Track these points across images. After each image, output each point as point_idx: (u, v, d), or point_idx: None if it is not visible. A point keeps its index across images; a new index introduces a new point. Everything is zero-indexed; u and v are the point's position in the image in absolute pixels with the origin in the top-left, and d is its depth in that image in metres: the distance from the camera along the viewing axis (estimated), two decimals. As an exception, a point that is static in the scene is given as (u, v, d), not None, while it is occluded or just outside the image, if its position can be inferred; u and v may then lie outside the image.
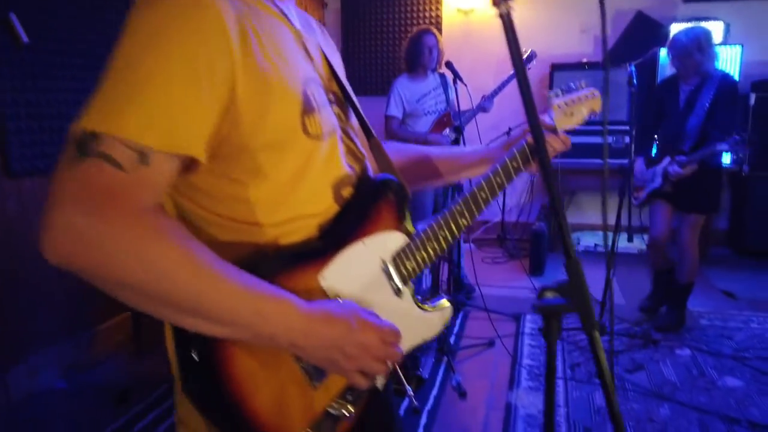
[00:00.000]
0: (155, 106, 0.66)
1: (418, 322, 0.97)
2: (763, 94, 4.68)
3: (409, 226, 0.95)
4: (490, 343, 3.24)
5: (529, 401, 2.67)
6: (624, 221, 4.31)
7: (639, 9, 5.20)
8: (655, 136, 3.47)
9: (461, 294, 3.88)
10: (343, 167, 0.89)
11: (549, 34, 5.42)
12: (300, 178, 0.81)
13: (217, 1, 0.70)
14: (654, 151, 3.47)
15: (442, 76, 3.94)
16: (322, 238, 0.85)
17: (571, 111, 1.12)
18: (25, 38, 2.44)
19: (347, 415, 0.85)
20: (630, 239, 3.83)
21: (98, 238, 0.63)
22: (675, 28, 4.84)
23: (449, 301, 1.02)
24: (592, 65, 5.06)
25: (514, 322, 3.59)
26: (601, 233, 5.47)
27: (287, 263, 0.81)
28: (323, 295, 0.83)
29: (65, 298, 2.86)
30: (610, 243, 2.92)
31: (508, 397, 2.70)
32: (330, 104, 0.90)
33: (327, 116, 0.86)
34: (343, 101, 0.96)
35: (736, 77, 4.63)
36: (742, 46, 4.80)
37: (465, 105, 3.74)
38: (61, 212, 0.62)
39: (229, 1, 0.73)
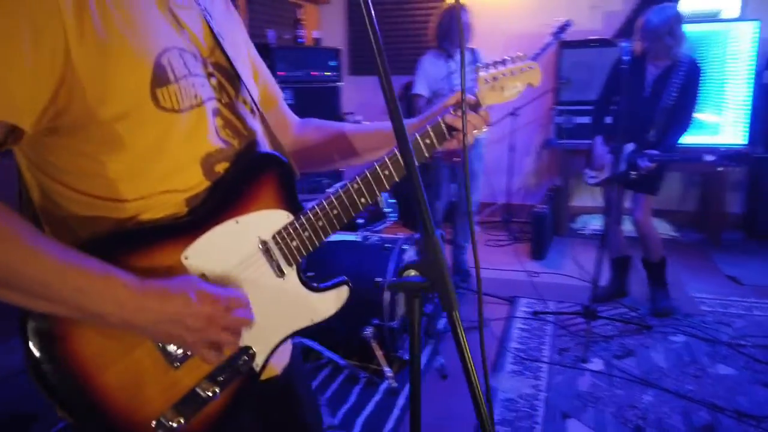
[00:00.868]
0: None
1: (305, 303, 0.94)
2: (780, 73, 4.48)
3: (295, 205, 0.91)
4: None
5: (510, 385, 2.64)
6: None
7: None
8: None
9: (457, 277, 3.83)
10: (214, 142, 0.84)
11: (557, 10, 5.24)
12: (158, 151, 0.78)
13: None
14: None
15: (473, 51, 3.76)
16: (189, 215, 0.82)
17: (501, 85, 1.05)
18: None
19: (212, 396, 0.82)
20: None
21: None
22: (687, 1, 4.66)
23: (346, 282, 0.98)
24: (601, 42, 4.90)
25: (508, 305, 3.53)
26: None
27: (147, 240, 0.78)
28: (185, 273, 0.81)
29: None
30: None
31: (490, 381, 2.66)
32: (207, 76, 0.86)
33: (189, 88, 0.81)
34: (231, 73, 0.91)
35: (754, 54, 4.44)
36: (761, 21, 4.59)
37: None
38: None
39: None
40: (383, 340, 2.59)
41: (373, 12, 0.73)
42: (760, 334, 3.06)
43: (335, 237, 2.84)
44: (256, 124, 0.94)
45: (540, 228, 4.44)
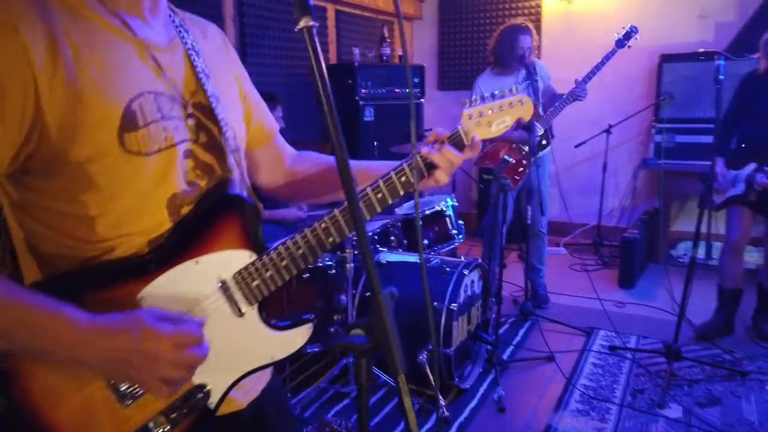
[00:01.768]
0: None
1: (265, 341, 0.94)
2: None
3: (259, 244, 0.91)
4: (549, 358, 3.03)
5: (572, 425, 2.46)
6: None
7: (775, -11, 4.54)
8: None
9: (531, 302, 3.66)
10: (181, 184, 0.86)
11: (660, 19, 4.91)
12: (125, 193, 0.80)
13: (17, 16, 0.71)
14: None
15: (533, 66, 3.67)
16: (150, 255, 0.83)
17: (488, 120, 1.02)
18: None
19: None
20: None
21: None
22: (814, 11, 4.17)
23: (310, 320, 0.97)
24: (709, 55, 4.50)
25: (584, 337, 3.32)
26: (711, 243, 4.88)
27: (106, 278, 0.81)
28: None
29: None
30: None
31: (550, 419, 2.51)
32: (184, 117, 0.88)
33: (159, 132, 0.83)
34: (211, 114, 0.92)
35: None
36: None
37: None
38: None
39: (41, 15, 0.73)
40: (439, 367, 2.53)
41: (318, 48, 0.71)
42: None
43: (395, 257, 2.83)
44: (234, 163, 0.95)
45: (629, 254, 4.14)
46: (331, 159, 1.14)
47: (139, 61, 0.84)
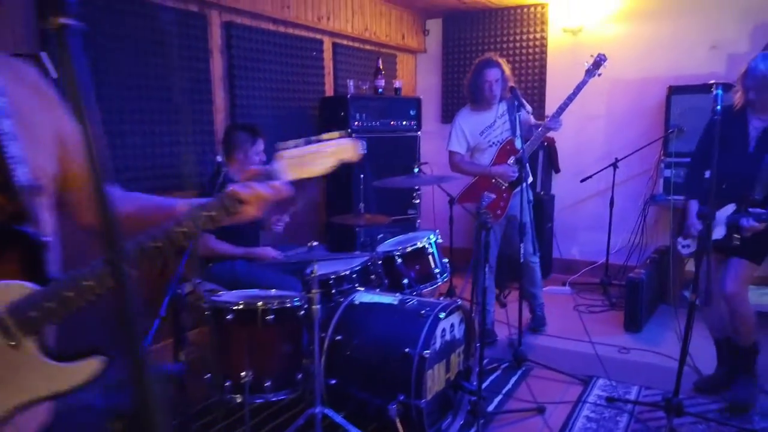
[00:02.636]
0: None
1: (43, 373, 0.93)
2: None
3: (42, 276, 0.92)
4: (540, 410, 2.80)
5: (556, 490, 2.23)
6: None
7: (786, 20, 4.35)
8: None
9: (530, 325, 3.74)
10: None
11: (670, 50, 4.75)
12: None
13: None
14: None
15: (510, 99, 3.58)
16: None
17: (304, 162, 1.06)
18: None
19: None
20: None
21: None
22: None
23: (103, 352, 0.95)
24: (721, 87, 4.30)
25: (581, 386, 3.08)
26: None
27: None
28: None
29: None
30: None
31: (533, 481, 2.28)
32: None
33: None
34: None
35: None
36: None
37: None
38: None
39: None
40: (409, 420, 2.32)
41: (78, 52, 0.61)
42: None
43: (370, 298, 2.66)
44: (29, 200, 0.93)
45: (635, 295, 3.90)
46: (140, 199, 1.16)
47: None
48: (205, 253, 2.93)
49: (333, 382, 2.45)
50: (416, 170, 3.33)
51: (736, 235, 2.57)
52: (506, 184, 3.57)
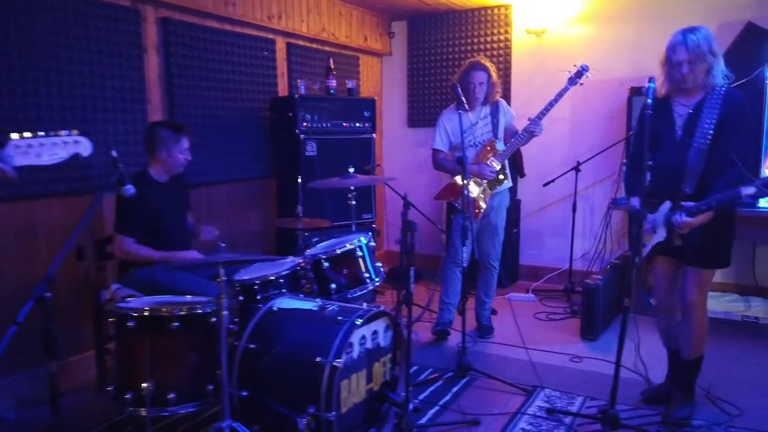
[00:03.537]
0: None
1: None
2: None
3: None
4: (474, 422, 2.65)
5: None
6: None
7: (749, 20, 4.25)
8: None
9: (475, 333, 3.72)
10: None
11: (633, 52, 4.65)
12: None
13: None
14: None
15: (494, 104, 3.63)
16: None
17: (36, 152, 1.18)
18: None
19: None
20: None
21: None
22: (790, 40, 3.86)
23: None
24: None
25: (524, 396, 2.93)
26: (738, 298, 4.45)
27: None
28: None
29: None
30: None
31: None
32: None
33: None
34: None
35: None
36: None
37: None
38: None
39: None
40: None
41: None
42: None
43: (290, 304, 2.51)
44: None
45: (591, 302, 3.76)
46: None
47: None
48: (123, 257, 2.79)
49: (245, 393, 2.30)
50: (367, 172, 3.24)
51: (676, 235, 2.43)
52: (485, 183, 3.58)
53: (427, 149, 3.84)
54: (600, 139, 4.73)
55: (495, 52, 5.21)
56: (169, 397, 2.20)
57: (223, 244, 2.22)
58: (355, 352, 2.28)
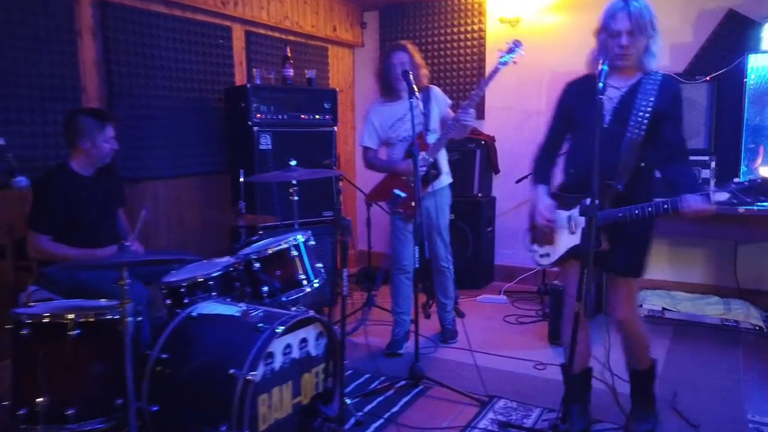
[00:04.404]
0: None
1: None
2: None
3: None
4: (419, 437, 2.44)
5: None
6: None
7: (730, 7, 4.03)
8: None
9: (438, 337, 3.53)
10: None
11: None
12: None
13: None
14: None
15: (425, 92, 3.27)
16: None
17: None
18: None
19: None
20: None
21: None
22: (772, 27, 3.65)
23: None
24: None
25: (477, 408, 2.71)
26: (675, 293, 4.26)
27: None
28: None
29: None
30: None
31: None
32: None
33: None
34: None
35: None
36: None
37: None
38: None
39: None
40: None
41: None
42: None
43: (212, 309, 2.29)
44: None
45: (560, 305, 3.52)
46: None
47: None
48: (37, 256, 2.56)
49: (155, 408, 2.08)
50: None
51: (605, 238, 2.18)
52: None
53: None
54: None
55: (469, 43, 5.00)
56: (68, 413, 1.98)
57: (128, 243, 2.00)
58: (278, 362, 2.06)
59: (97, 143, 2.62)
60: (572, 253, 2.27)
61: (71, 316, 2.01)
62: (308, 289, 2.53)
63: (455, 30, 5.06)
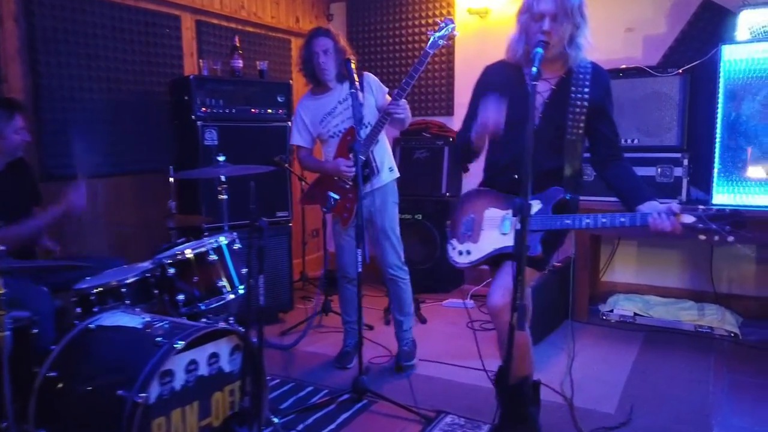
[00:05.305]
0: None
1: None
2: None
3: None
4: (350, 460, 2.21)
5: None
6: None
7: (705, -4, 3.84)
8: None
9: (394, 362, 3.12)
10: None
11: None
12: None
13: None
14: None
15: (361, 78, 2.96)
16: None
17: None
18: None
19: None
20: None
21: None
22: (746, 17, 3.44)
23: None
24: (630, 72, 3.77)
25: (421, 426, 2.49)
26: (649, 298, 4.05)
27: None
28: None
29: None
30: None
31: None
32: None
33: None
34: None
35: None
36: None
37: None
38: None
39: None
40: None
41: None
42: None
43: (114, 321, 2.06)
44: None
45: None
46: None
47: None
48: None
49: (42, 432, 1.85)
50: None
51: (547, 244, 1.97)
52: (350, 183, 2.92)
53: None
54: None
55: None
56: (-65, 440, 1.75)
57: (2, 247, 1.77)
58: (179, 381, 1.84)
59: (5, 134, 2.41)
60: (501, 256, 2.05)
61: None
62: (231, 297, 2.30)
63: (423, 22, 4.85)
